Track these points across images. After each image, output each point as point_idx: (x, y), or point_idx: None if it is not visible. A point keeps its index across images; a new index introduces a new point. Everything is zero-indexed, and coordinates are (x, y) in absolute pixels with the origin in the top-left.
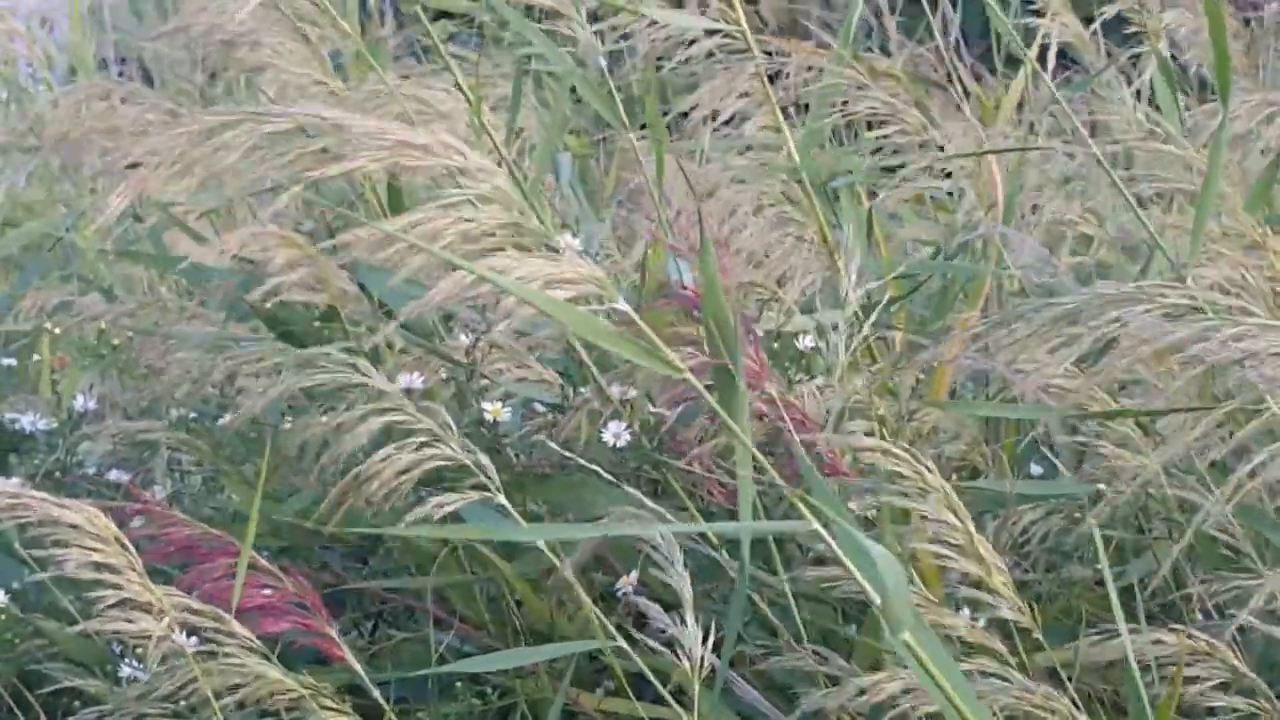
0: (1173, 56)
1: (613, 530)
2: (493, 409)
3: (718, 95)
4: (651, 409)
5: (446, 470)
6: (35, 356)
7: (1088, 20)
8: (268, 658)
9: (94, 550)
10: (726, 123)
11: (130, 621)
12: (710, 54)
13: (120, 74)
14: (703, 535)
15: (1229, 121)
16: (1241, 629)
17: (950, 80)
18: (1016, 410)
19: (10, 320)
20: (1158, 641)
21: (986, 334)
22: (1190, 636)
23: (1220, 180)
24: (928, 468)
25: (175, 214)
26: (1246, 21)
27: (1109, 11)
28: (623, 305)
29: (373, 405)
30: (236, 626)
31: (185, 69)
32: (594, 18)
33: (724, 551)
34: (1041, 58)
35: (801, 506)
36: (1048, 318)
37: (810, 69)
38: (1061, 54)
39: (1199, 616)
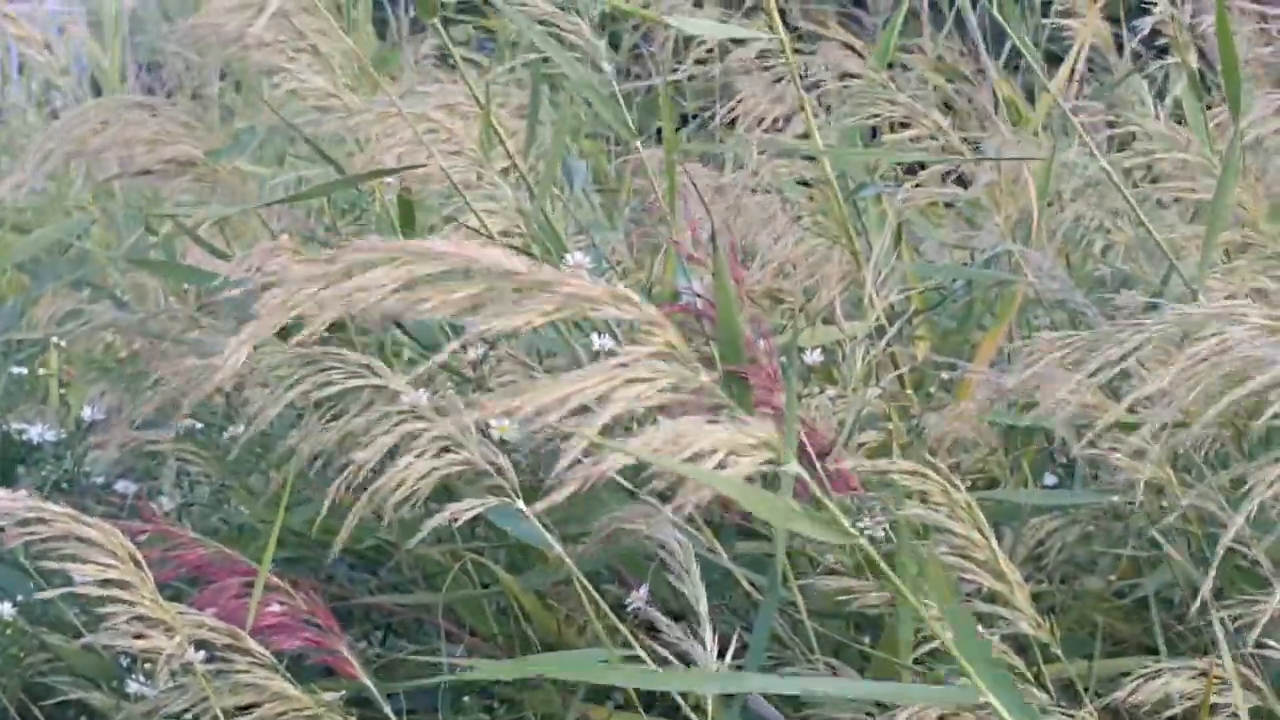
0: (1205, 63)
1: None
2: (500, 426)
3: (755, 101)
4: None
5: (453, 482)
6: (41, 370)
7: (1113, 20)
8: (279, 672)
9: (108, 566)
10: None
11: (140, 637)
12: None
13: (139, 79)
14: (712, 549)
15: (1241, 131)
16: (1260, 645)
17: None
18: (1034, 419)
19: (21, 328)
20: (1186, 669)
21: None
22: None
23: (1233, 190)
24: (954, 483)
25: (187, 225)
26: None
27: (1143, 25)
28: (795, 469)
29: (391, 409)
30: (250, 643)
31: (205, 74)
32: (613, 19)
33: (736, 563)
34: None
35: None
36: (1075, 345)
37: (845, 75)
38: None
39: (1217, 630)
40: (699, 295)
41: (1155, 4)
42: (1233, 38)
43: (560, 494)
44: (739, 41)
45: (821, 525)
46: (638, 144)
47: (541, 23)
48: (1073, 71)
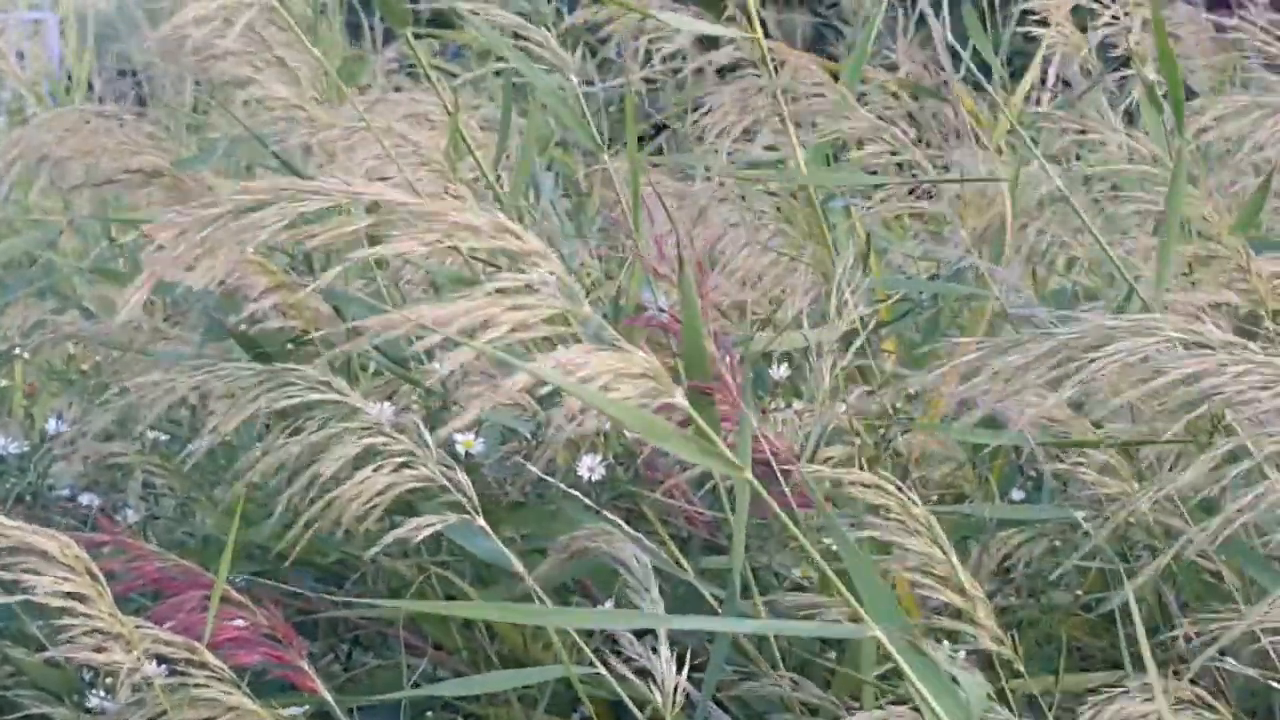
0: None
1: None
2: (464, 440)
3: (724, 111)
4: (629, 434)
5: (412, 498)
6: (3, 382)
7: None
8: (239, 687)
9: (65, 580)
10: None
11: (100, 651)
12: (720, 69)
13: (111, 87)
14: (678, 563)
15: (1188, 140)
16: (1222, 653)
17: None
18: (1000, 436)
19: None
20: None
21: (979, 364)
22: (1181, 682)
23: (1182, 202)
24: (911, 499)
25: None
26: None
27: (1095, 38)
28: (680, 400)
29: (349, 424)
30: (208, 657)
31: (178, 83)
32: (587, 29)
33: (701, 579)
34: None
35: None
36: (1040, 352)
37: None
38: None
39: (1182, 644)
40: (663, 310)
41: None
42: (1171, 49)
43: (466, 417)
44: (712, 46)
45: (694, 447)
46: (605, 155)
47: (513, 35)
48: (1043, 81)
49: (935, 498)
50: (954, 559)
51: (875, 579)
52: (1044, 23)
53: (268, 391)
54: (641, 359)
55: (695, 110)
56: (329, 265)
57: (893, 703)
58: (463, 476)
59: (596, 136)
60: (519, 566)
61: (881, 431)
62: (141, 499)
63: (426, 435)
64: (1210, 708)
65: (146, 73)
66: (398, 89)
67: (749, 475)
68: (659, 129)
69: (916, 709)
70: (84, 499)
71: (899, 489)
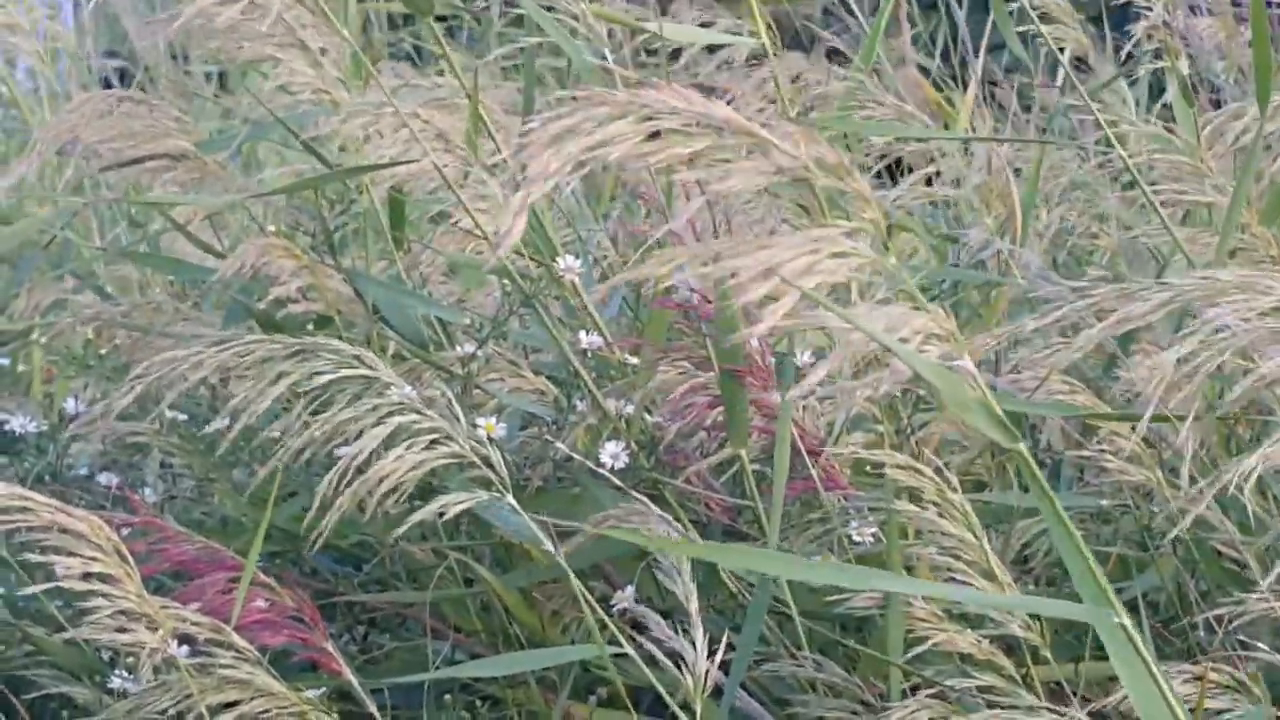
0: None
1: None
2: (486, 424)
3: (745, 98)
4: (650, 418)
5: (435, 479)
6: (22, 367)
7: (1095, 20)
8: (263, 667)
9: (93, 560)
10: None
11: (123, 631)
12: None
13: (114, 69)
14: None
15: (1263, 132)
16: (1244, 644)
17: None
18: (1022, 405)
19: (3, 319)
20: (1180, 673)
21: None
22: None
23: (1246, 196)
24: (950, 484)
25: (176, 218)
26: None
27: (1135, 30)
28: (969, 364)
29: (380, 401)
30: (235, 638)
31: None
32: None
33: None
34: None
35: None
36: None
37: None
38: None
39: (1202, 633)
40: (694, 290)
41: (1144, 8)
42: (1267, 38)
43: (758, 329)
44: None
45: (990, 417)
46: None
47: (546, 9)
48: (1056, 75)
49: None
50: (985, 544)
51: (1086, 562)
52: (1045, 19)
53: (299, 364)
54: (944, 319)
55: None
56: (349, 247)
57: (916, 688)
58: (495, 453)
59: None
60: (549, 544)
61: (905, 418)
62: (159, 478)
63: (459, 410)
64: (1245, 689)
65: (140, 55)
66: (399, 77)
67: (1023, 448)
68: None
69: (943, 696)
70: (102, 478)
71: (936, 473)
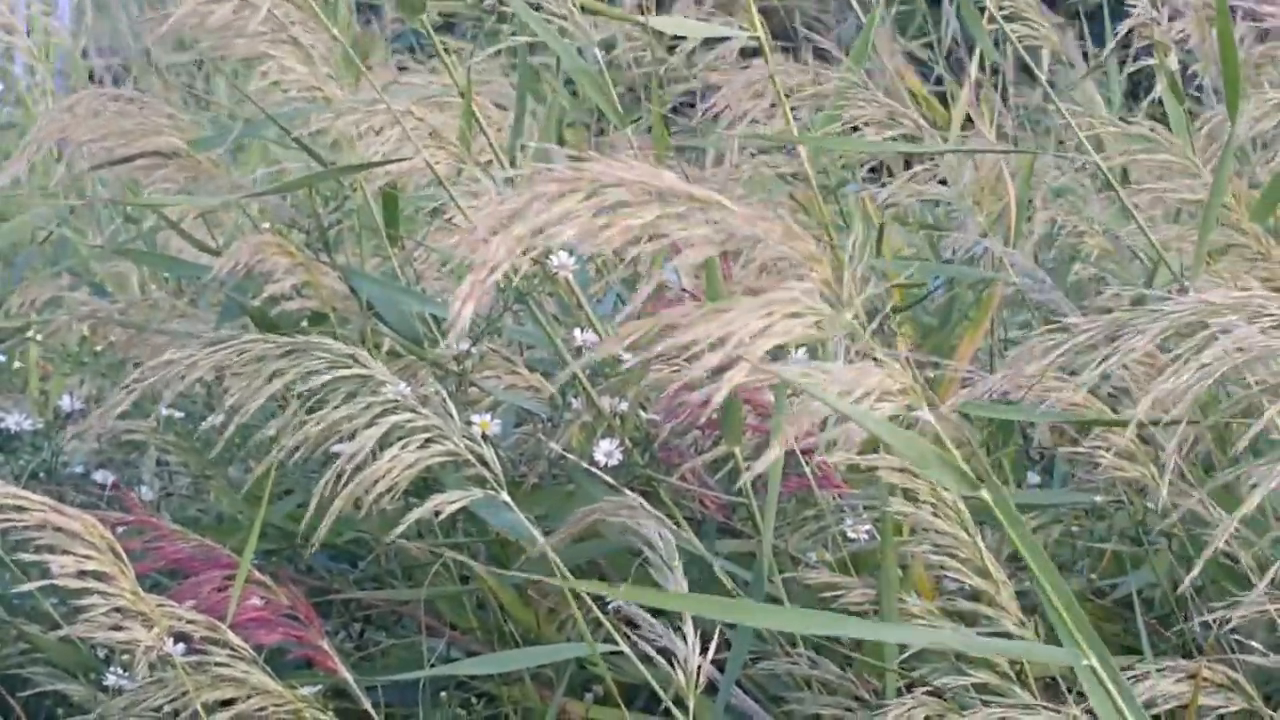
0: (1182, 64)
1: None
2: (481, 422)
3: (735, 96)
4: (644, 416)
5: (430, 476)
6: (18, 364)
7: (1072, 17)
8: (259, 665)
9: (87, 558)
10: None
11: (118, 629)
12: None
13: (108, 68)
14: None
15: (1236, 134)
16: (1241, 646)
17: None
18: (1016, 412)
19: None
20: (1174, 670)
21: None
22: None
23: (1226, 191)
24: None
25: (170, 216)
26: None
27: (1121, 28)
28: (927, 415)
29: (375, 399)
30: (230, 636)
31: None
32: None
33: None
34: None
35: None
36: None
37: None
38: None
39: (1197, 628)
40: (685, 291)
41: (1130, 6)
42: (1234, 43)
43: (713, 404)
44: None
45: (955, 472)
46: (628, 130)
47: (535, 7)
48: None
49: None
50: (979, 542)
51: (1059, 584)
52: (1011, 19)
53: (292, 364)
54: (900, 373)
55: (704, 95)
56: (344, 244)
57: (911, 686)
58: (489, 450)
59: (619, 110)
60: (541, 541)
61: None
62: (155, 475)
63: (452, 408)
64: (1238, 688)
65: (127, 52)
66: (402, 68)
67: (1007, 494)
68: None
69: (939, 694)
70: (98, 476)
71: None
